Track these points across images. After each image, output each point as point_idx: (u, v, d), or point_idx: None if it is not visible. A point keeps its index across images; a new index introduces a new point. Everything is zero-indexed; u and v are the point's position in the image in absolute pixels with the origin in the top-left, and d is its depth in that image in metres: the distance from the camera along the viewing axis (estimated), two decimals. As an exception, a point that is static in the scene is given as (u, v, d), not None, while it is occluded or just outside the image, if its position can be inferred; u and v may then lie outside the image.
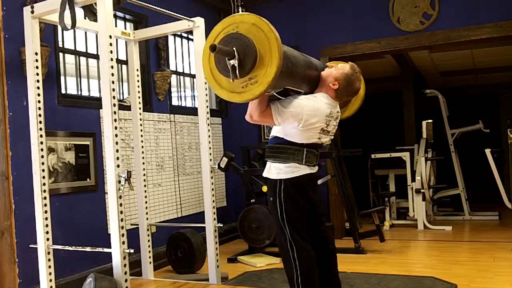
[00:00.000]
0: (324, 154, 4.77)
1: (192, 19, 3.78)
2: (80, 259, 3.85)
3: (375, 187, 7.98)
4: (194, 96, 5.75)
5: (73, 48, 4.18)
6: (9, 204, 3.42)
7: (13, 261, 3.41)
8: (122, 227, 2.91)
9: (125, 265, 2.90)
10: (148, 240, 4.04)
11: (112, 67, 2.92)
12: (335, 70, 2.84)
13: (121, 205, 2.90)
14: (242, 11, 5.19)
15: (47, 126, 3.31)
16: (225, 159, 4.57)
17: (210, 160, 3.80)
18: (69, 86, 4.13)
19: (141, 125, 4.07)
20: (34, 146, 3.23)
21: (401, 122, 8.74)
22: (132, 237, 3.98)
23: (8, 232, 3.41)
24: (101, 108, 3.00)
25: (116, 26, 4.48)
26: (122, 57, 4.63)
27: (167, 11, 3.81)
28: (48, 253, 3.23)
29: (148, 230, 4.04)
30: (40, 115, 3.24)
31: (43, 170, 3.24)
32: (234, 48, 2.40)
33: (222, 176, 6.01)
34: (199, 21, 3.76)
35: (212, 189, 3.80)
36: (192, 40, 5.41)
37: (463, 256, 4.77)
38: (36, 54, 3.24)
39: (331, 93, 2.83)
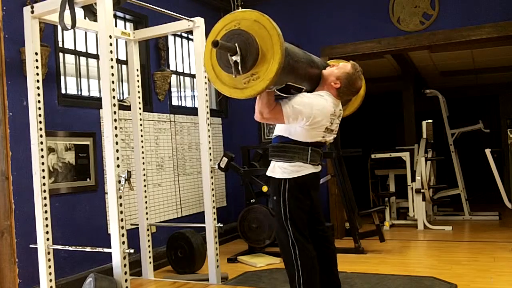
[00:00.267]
0: (324, 154, 4.76)
1: (192, 19, 3.78)
2: (80, 259, 3.86)
3: (375, 187, 7.98)
4: (194, 96, 5.75)
5: (73, 48, 4.18)
6: (9, 204, 3.42)
7: (13, 261, 3.42)
8: (122, 227, 2.91)
9: (125, 265, 2.90)
10: (148, 240, 4.03)
11: (112, 67, 2.92)
12: (337, 69, 2.84)
13: (121, 205, 2.90)
14: (242, 11, 5.19)
15: (47, 126, 3.31)
16: (225, 159, 4.57)
17: (210, 160, 3.80)
18: (69, 86, 4.13)
19: (141, 125, 4.07)
20: (34, 146, 3.23)
21: (401, 122, 8.74)
22: (132, 237, 3.98)
23: (8, 232, 3.41)
24: (101, 108, 3.00)
25: (116, 26, 4.48)
26: (122, 57, 4.63)
27: (167, 11, 3.81)
28: (48, 253, 3.23)
29: (148, 230, 4.04)
30: (40, 115, 3.23)
31: (43, 170, 3.23)
32: (236, 44, 2.40)
33: (222, 176, 6.01)
34: (199, 21, 3.76)
35: (212, 189, 3.80)
36: (192, 40, 5.41)
37: (463, 256, 4.77)
38: (36, 54, 3.24)
39: (333, 92, 2.84)
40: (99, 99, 3.49)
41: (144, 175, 4.05)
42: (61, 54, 4.01)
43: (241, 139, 6.10)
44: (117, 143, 2.90)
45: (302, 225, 2.81)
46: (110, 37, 2.92)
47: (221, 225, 3.83)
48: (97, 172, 4.13)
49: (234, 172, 5.08)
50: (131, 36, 4.08)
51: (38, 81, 3.24)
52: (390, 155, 6.81)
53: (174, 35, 5.42)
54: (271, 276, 4.22)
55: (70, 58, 4.16)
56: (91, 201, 4.08)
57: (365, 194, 7.78)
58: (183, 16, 3.83)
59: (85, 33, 4.24)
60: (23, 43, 3.27)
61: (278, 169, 2.81)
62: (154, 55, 4.97)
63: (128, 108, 4.27)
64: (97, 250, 3.16)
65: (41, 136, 3.23)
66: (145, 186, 4.05)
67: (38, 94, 3.23)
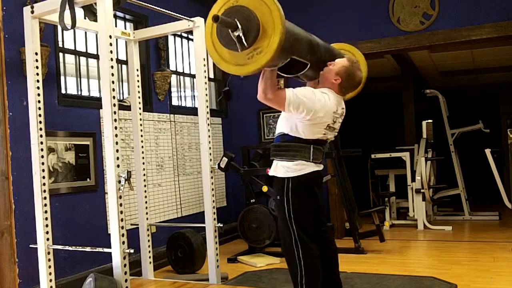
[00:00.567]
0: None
1: (192, 19, 3.78)
2: (80, 259, 3.86)
3: (375, 187, 7.98)
4: (194, 96, 5.75)
5: (73, 48, 4.18)
6: (9, 204, 3.42)
7: (13, 261, 3.42)
8: (122, 227, 2.91)
9: (125, 265, 2.90)
10: (148, 240, 4.03)
11: (112, 67, 2.92)
12: (333, 66, 2.87)
13: (121, 205, 2.90)
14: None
15: (47, 126, 3.30)
16: (225, 159, 4.57)
17: (210, 160, 3.80)
18: (69, 86, 4.13)
19: (141, 125, 4.07)
20: (34, 146, 3.23)
21: (401, 122, 8.74)
22: (132, 237, 3.98)
23: (8, 232, 3.41)
24: (101, 108, 3.00)
25: (116, 26, 4.48)
26: (122, 57, 4.63)
27: (167, 11, 3.81)
28: (48, 253, 3.23)
29: (148, 230, 4.04)
30: (40, 115, 3.23)
31: (43, 170, 3.23)
32: (236, 19, 2.40)
33: (222, 176, 6.01)
34: (199, 21, 3.76)
35: (212, 189, 3.80)
36: (192, 40, 5.41)
37: (463, 256, 4.77)
38: (36, 54, 3.24)
39: (335, 89, 2.86)
40: (99, 99, 3.49)
41: (144, 175, 4.05)
42: (61, 54, 4.01)
43: (241, 139, 6.10)
44: (117, 143, 2.90)
45: (307, 224, 2.80)
46: (110, 37, 2.92)
47: (221, 225, 3.83)
48: (97, 172, 4.13)
49: (234, 172, 5.08)
50: (131, 36, 4.08)
51: (38, 81, 3.24)
52: (390, 155, 6.82)
53: (174, 35, 5.42)
54: (271, 276, 4.22)
55: (70, 58, 4.16)
56: (91, 201, 4.08)
57: (365, 194, 7.78)
58: (183, 16, 3.83)
59: (85, 33, 4.24)
60: (23, 43, 3.27)
61: (281, 168, 2.81)
62: (154, 55, 4.97)
63: (128, 108, 4.27)
64: (97, 250, 3.16)
65: (41, 136, 3.23)
66: (145, 186, 4.05)
67: (38, 94, 3.23)
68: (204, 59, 3.82)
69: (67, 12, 3.03)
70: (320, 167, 2.87)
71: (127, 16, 4.74)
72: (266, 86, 2.64)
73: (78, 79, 4.22)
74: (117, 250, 2.89)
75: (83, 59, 4.28)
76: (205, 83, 3.82)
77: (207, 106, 3.83)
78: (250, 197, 5.02)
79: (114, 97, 2.91)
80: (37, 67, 3.24)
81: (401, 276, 4.02)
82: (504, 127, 9.78)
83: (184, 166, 5.33)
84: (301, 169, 2.77)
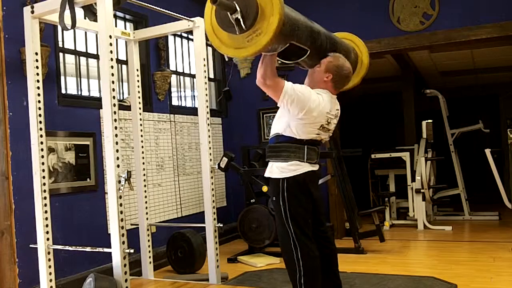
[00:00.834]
0: (324, 154, 4.77)
1: (192, 19, 3.78)
2: (80, 259, 3.86)
3: (375, 187, 7.98)
4: (194, 96, 5.75)
5: (73, 48, 4.18)
6: (9, 204, 3.42)
7: (13, 261, 3.42)
8: (122, 227, 2.91)
9: (125, 265, 2.90)
10: (148, 240, 4.03)
11: (112, 67, 2.92)
12: (319, 67, 2.89)
13: (121, 205, 2.90)
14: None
15: (47, 126, 3.31)
16: (225, 159, 4.57)
17: (210, 160, 3.80)
18: (69, 86, 4.13)
19: (141, 125, 4.07)
20: (34, 146, 3.23)
21: (401, 122, 8.74)
22: (132, 237, 3.98)
23: (8, 232, 3.41)
24: (101, 108, 3.00)
25: (116, 26, 4.48)
26: (122, 57, 4.63)
27: (167, 11, 3.81)
28: (48, 253, 3.23)
29: (148, 230, 4.04)
30: (40, 115, 3.23)
31: (43, 170, 3.23)
32: (235, 2, 2.40)
33: (222, 176, 6.01)
34: (199, 21, 3.76)
35: (212, 189, 3.80)
36: (192, 40, 5.41)
37: (463, 256, 4.78)
38: (36, 54, 3.24)
39: (329, 87, 2.88)
40: (99, 99, 3.49)
41: (144, 175, 4.05)
42: (61, 54, 4.01)
43: (241, 139, 6.10)
44: (117, 143, 2.91)
45: (305, 224, 2.80)
46: (110, 37, 2.92)
47: (221, 225, 3.83)
48: (97, 172, 4.13)
49: (234, 172, 5.09)
50: (131, 36, 4.08)
51: (38, 81, 3.24)
52: (390, 155, 6.82)
53: (174, 35, 5.42)
54: (271, 276, 4.22)
55: (70, 58, 4.16)
56: (91, 201, 4.08)
57: (365, 194, 7.78)
58: (183, 16, 3.83)
59: (85, 33, 4.24)
60: (23, 43, 3.27)
61: (276, 169, 2.82)
62: (154, 55, 4.97)
63: (128, 108, 4.28)
64: (97, 250, 3.16)
65: (41, 136, 3.23)
66: (145, 186, 4.05)
67: (38, 94, 3.23)
68: (204, 59, 3.83)
69: (67, 12, 3.03)
70: (315, 167, 2.87)
71: (127, 16, 4.74)
72: (265, 72, 2.65)
73: (78, 79, 4.22)
74: (117, 250, 2.89)
75: (83, 59, 4.28)
76: (205, 83, 3.82)
77: (207, 106, 3.83)
78: (250, 197, 5.02)
79: (114, 97, 2.91)
80: (37, 67, 3.24)
81: (401, 276, 4.02)
82: (504, 127, 9.77)
83: (184, 166, 5.33)
84: (296, 169, 2.78)
